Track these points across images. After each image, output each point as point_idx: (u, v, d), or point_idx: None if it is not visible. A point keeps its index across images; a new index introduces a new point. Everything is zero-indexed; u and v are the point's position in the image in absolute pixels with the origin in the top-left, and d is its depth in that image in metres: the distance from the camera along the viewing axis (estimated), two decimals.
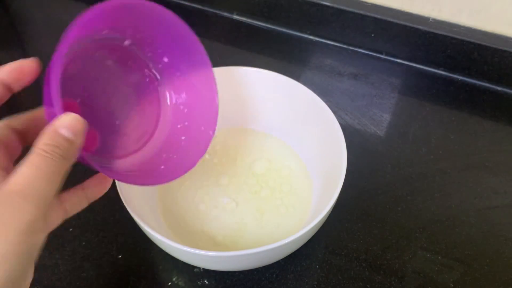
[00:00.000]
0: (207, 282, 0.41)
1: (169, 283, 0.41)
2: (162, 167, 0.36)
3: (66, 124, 0.25)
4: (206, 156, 0.48)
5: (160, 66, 0.36)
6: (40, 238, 0.24)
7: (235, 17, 0.69)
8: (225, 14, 0.70)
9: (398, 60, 0.63)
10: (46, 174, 0.23)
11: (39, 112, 0.29)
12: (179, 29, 0.34)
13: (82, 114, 0.25)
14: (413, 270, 0.42)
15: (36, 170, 0.23)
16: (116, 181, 0.36)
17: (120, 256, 0.42)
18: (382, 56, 0.64)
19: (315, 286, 0.41)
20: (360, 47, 0.64)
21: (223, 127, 0.50)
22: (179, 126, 0.38)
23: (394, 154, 0.52)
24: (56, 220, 0.29)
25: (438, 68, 0.62)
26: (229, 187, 0.45)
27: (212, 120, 0.37)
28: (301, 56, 0.64)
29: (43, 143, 0.24)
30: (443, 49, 0.59)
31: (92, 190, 0.31)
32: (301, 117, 0.46)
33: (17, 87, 0.28)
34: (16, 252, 0.22)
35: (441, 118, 0.56)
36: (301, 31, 0.67)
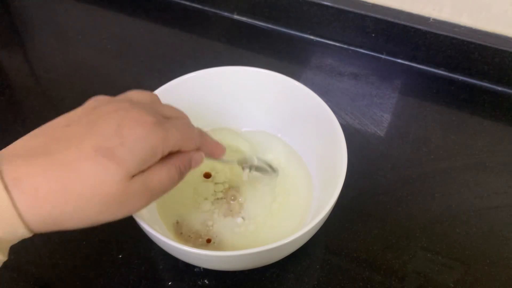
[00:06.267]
0: (207, 282, 0.41)
1: (169, 283, 0.41)
2: None
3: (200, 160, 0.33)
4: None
5: None
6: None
7: (236, 17, 0.69)
8: (226, 14, 0.70)
9: (399, 60, 0.63)
10: (171, 182, 0.30)
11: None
12: None
13: None
14: (413, 270, 0.42)
15: (169, 179, 0.30)
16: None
17: (120, 256, 0.43)
18: (383, 56, 0.64)
19: (315, 286, 0.41)
20: (360, 47, 0.64)
21: (223, 126, 0.50)
22: None
23: (395, 154, 0.52)
24: None
25: (438, 68, 0.62)
26: (229, 187, 0.45)
27: None
28: (302, 56, 0.64)
29: (187, 165, 0.31)
30: (443, 49, 0.59)
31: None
32: (302, 117, 0.46)
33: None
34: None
35: (441, 118, 0.56)
36: (301, 31, 0.67)
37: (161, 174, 0.29)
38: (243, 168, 0.43)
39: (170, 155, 0.29)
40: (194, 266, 0.41)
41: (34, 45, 0.67)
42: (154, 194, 0.29)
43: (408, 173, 0.50)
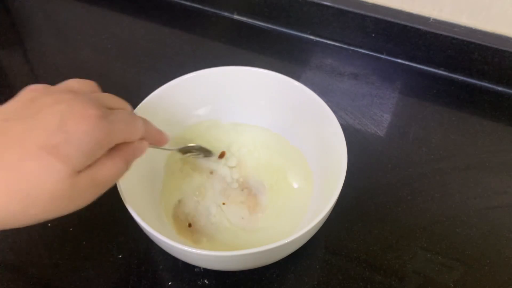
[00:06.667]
0: (207, 282, 0.41)
1: (169, 283, 0.41)
2: None
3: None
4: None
5: None
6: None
7: (236, 17, 0.69)
8: (226, 14, 0.70)
9: (399, 60, 0.63)
10: (119, 173, 0.30)
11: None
12: None
13: None
14: (413, 270, 0.42)
15: (116, 171, 0.29)
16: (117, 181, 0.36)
17: (120, 256, 0.43)
18: (383, 56, 0.64)
19: (315, 286, 0.41)
20: (360, 47, 0.64)
21: (223, 126, 0.50)
22: None
23: (394, 154, 0.52)
24: None
25: (438, 68, 0.62)
26: (230, 186, 0.45)
27: None
28: (302, 56, 0.64)
29: (133, 156, 0.31)
30: (443, 49, 0.59)
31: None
32: (302, 117, 0.46)
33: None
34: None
35: (441, 118, 0.56)
36: (301, 31, 0.67)
37: (108, 167, 0.29)
38: (183, 153, 0.46)
39: (115, 146, 0.29)
40: (194, 266, 0.41)
41: (34, 45, 0.67)
42: (102, 187, 0.29)
43: (408, 173, 0.50)
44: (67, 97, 0.28)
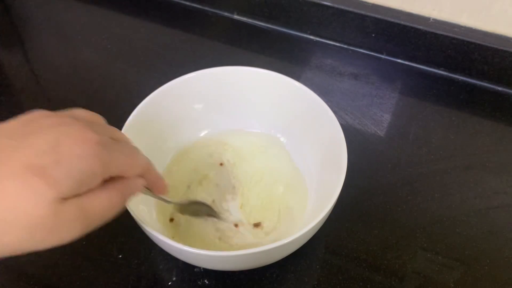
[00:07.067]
0: (207, 282, 0.41)
1: (169, 283, 0.41)
2: None
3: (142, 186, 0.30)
4: (206, 156, 0.48)
5: None
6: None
7: (236, 17, 0.69)
8: (226, 14, 0.70)
9: (399, 60, 0.63)
10: (112, 208, 0.27)
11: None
12: None
13: None
14: (413, 270, 0.42)
15: (110, 205, 0.27)
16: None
17: (120, 256, 0.43)
18: (383, 56, 0.64)
19: (315, 286, 0.41)
20: (360, 47, 0.64)
21: (223, 127, 0.50)
22: None
23: (394, 154, 0.52)
24: None
25: (438, 68, 0.62)
26: (230, 187, 0.45)
27: None
28: (302, 56, 0.64)
29: (130, 191, 0.28)
30: (443, 49, 0.59)
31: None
32: (302, 117, 0.46)
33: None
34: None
35: (441, 118, 0.56)
36: (301, 31, 0.67)
37: (101, 198, 0.26)
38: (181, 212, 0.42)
39: (111, 179, 0.27)
40: (194, 266, 0.41)
41: (34, 45, 0.67)
42: (91, 222, 0.25)
43: (408, 173, 0.50)
44: (68, 120, 0.26)
